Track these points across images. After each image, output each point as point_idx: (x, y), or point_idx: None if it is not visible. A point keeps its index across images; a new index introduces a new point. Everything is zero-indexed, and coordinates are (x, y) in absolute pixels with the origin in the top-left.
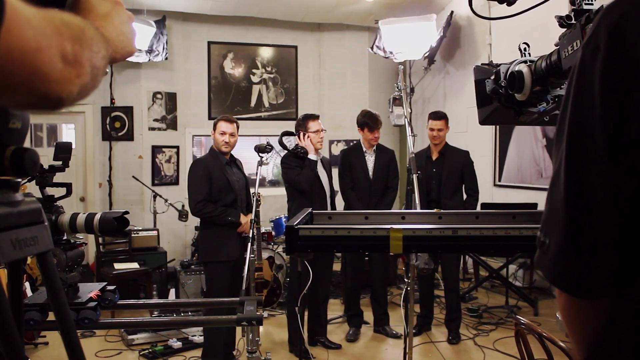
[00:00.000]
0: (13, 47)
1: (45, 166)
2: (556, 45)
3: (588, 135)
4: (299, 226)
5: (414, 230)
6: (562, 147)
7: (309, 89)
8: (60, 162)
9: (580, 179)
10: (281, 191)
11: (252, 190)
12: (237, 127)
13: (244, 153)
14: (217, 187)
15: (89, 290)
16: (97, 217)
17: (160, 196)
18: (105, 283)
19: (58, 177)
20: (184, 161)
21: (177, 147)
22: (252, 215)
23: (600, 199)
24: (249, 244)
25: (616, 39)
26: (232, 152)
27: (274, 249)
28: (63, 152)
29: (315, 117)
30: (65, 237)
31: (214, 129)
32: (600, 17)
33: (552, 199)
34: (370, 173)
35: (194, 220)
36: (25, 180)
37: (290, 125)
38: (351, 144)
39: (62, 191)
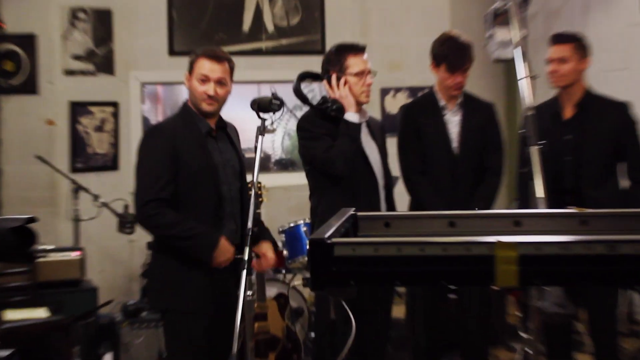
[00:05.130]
0: None
1: None
2: None
3: None
4: (333, 240)
5: (538, 246)
6: None
7: (344, 1)
8: None
9: None
10: (298, 179)
11: (248, 179)
12: (231, 70)
13: (233, 113)
14: (188, 176)
15: None
16: None
17: (87, 190)
18: None
19: None
20: (127, 129)
21: (116, 105)
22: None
23: None
24: (244, 273)
25: None
26: (220, 114)
27: (288, 281)
28: None
29: (358, 50)
30: None
31: (190, 71)
32: None
33: None
34: (455, 144)
35: (145, 234)
36: None
37: (314, 64)
38: (419, 94)
39: None
